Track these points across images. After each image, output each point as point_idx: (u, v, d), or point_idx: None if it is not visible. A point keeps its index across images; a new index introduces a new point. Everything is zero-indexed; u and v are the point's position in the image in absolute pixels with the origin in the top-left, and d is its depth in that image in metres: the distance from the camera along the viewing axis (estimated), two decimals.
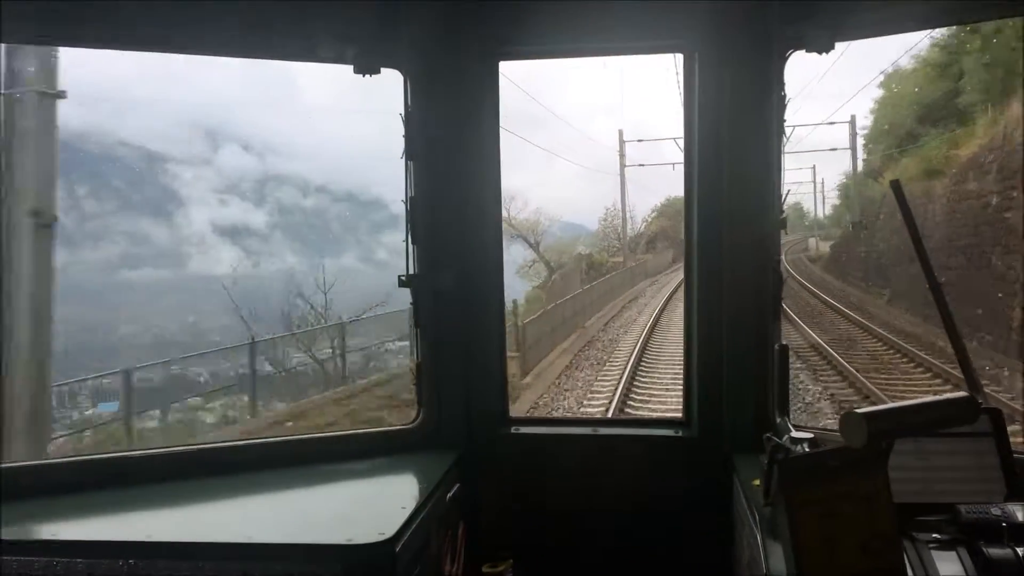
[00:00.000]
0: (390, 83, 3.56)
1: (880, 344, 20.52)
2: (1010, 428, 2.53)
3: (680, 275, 22.57)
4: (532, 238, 44.40)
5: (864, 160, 39.95)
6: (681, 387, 4.22)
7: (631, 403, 16.31)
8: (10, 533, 2.68)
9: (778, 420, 3.25)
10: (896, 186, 2.75)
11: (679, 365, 15.06)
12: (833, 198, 60.16)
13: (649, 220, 61.25)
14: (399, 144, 3.60)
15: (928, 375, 17.08)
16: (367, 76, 3.57)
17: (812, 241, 58.53)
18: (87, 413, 15.71)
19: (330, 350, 20.42)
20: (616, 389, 17.01)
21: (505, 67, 3.76)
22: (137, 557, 2.56)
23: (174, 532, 2.78)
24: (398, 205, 3.63)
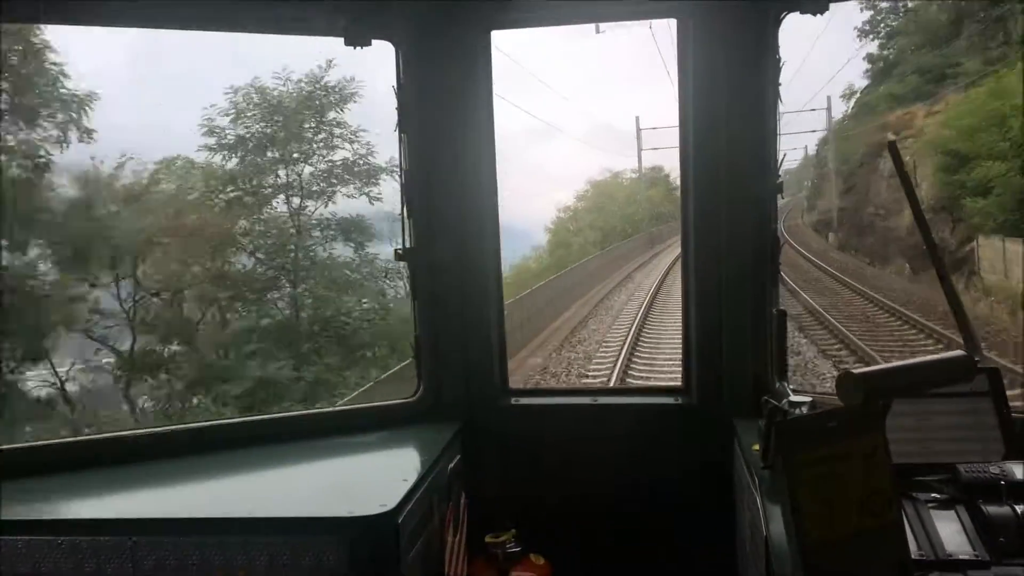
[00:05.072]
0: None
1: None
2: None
3: None
4: None
5: None
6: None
7: None
8: (14, 513, 2.70)
9: (777, 384, 3.26)
10: (893, 146, 2.73)
11: None
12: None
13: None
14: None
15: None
16: (357, 48, 3.53)
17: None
18: None
19: None
20: None
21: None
22: (141, 534, 2.57)
23: (177, 508, 2.79)
24: None
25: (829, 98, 47.79)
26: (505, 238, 3.90)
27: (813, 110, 47.35)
